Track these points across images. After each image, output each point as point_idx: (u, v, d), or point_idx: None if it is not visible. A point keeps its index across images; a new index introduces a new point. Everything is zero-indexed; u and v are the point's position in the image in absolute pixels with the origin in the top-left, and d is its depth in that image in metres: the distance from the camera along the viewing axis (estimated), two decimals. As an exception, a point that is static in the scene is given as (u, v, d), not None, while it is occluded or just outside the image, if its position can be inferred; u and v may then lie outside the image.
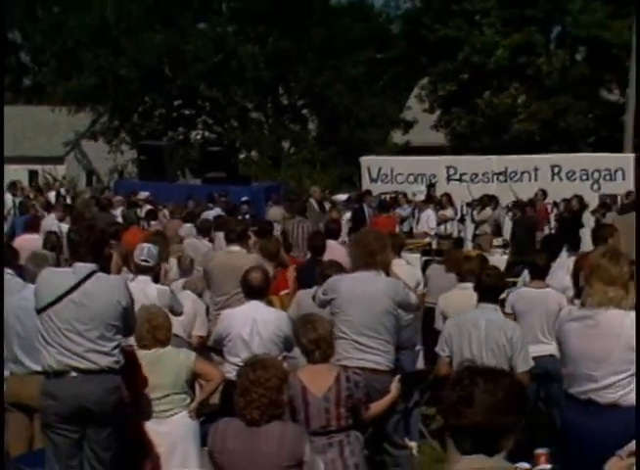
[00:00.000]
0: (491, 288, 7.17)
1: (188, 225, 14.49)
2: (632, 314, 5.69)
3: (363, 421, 6.03)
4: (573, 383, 5.68)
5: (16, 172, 30.44)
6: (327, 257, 9.73)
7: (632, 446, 3.96)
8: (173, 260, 10.87)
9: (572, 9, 30.52)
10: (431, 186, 21.24)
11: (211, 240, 13.02)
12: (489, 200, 19.50)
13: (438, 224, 18.58)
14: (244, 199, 20.28)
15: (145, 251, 8.39)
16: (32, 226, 14.40)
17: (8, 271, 8.04)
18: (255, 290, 7.44)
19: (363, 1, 37.95)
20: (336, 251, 10.10)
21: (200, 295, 9.61)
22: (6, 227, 16.40)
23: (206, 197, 19.86)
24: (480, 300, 7.15)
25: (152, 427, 6.43)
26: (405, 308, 7.22)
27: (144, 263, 8.30)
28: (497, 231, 18.06)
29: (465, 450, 3.35)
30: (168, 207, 18.47)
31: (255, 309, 7.35)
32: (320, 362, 5.92)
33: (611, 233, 9.49)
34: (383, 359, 6.80)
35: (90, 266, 6.16)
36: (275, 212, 17.23)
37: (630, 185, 21.69)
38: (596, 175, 21.74)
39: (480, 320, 6.90)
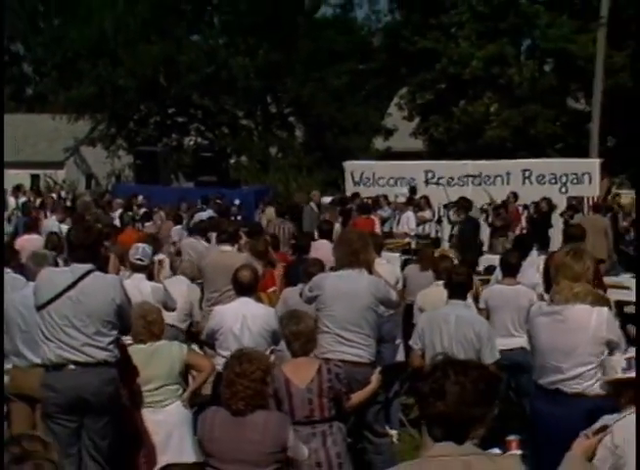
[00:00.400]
0: (460, 285, 7.20)
1: (178, 227, 14.47)
2: (599, 310, 5.72)
3: (345, 411, 6.03)
4: (542, 374, 5.71)
5: (18, 177, 30.32)
6: (317, 255, 9.75)
7: (597, 426, 3.98)
8: (167, 259, 10.86)
9: (541, 23, 30.56)
10: (412, 189, 21.27)
11: (208, 240, 13.01)
12: (465, 202, 19.55)
13: (417, 225, 18.60)
14: (236, 202, 20.33)
15: (139, 250, 8.41)
16: (32, 227, 14.39)
17: (9, 270, 8.03)
18: (245, 287, 7.44)
19: (346, 15, 37.94)
20: (324, 249, 10.11)
21: (192, 279, 9.63)
22: (10, 227, 16.36)
23: (200, 199, 19.85)
24: (450, 296, 7.19)
25: (148, 416, 6.43)
26: (386, 305, 7.23)
27: (138, 262, 8.31)
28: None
29: (436, 438, 3.36)
30: (165, 209, 18.44)
31: (245, 306, 7.35)
32: (300, 355, 5.92)
33: (583, 234, 9.56)
34: (364, 352, 6.80)
35: (87, 266, 6.15)
36: (270, 212, 17.39)
37: (596, 188, 21.79)
38: (564, 179, 21.79)
39: (450, 316, 6.93)
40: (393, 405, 8.42)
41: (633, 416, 4.19)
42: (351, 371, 6.40)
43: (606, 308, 5.89)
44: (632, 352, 4.44)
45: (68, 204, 21.76)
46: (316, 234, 13.44)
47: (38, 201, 21.70)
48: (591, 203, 20.40)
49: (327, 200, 21.43)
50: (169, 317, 8.65)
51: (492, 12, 30.78)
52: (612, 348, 5.63)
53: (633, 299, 12.37)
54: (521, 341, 8.06)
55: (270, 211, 17.75)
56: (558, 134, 30.74)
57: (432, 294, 8.71)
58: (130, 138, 35.96)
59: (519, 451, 4.90)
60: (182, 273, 9.87)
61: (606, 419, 4.21)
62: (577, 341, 5.54)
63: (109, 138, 36.03)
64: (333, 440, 5.77)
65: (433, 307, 7.79)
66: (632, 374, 4.35)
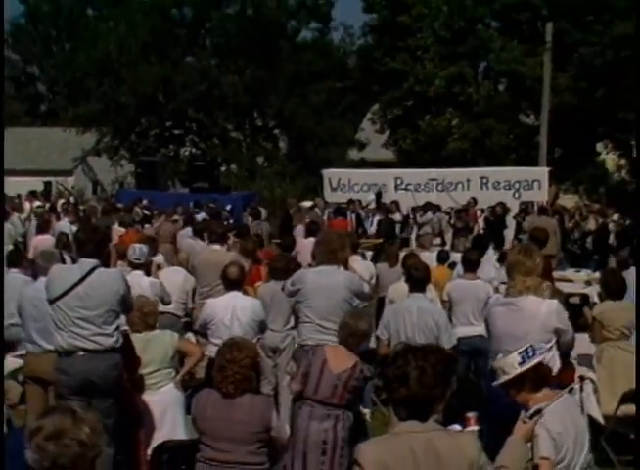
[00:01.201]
0: (420, 280, 7.22)
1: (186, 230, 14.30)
2: (549, 301, 5.77)
3: (357, 402, 5.99)
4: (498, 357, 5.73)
5: (32, 183, 30.17)
6: (304, 250, 9.74)
7: (532, 410, 4.00)
8: (160, 256, 10.80)
9: (495, 47, 30.67)
10: (378, 194, 21.29)
11: (203, 239, 12.98)
12: (430, 206, 19.60)
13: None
14: (228, 207, 20.28)
15: (137, 250, 8.42)
16: (44, 229, 14.37)
17: (16, 271, 8.06)
18: (233, 282, 7.44)
19: (324, 39, 37.91)
20: (307, 246, 10.10)
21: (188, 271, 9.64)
22: (21, 229, 16.29)
23: (193, 203, 19.78)
24: (412, 290, 7.20)
25: (145, 397, 6.42)
26: (360, 297, 7.24)
27: (136, 261, 8.32)
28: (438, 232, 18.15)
29: (401, 417, 3.38)
30: (167, 212, 18.34)
31: (234, 298, 7.35)
32: (343, 344, 5.87)
33: (545, 237, 9.61)
34: (340, 339, 6.81)
35: (93, 262, 6.14)
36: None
37: (545, 194, 21.90)
38: (517, 186, 21.92)
39: (412, 307, 6.96)
40: (366, 387, 8.43)
41: (561, 400, 4.20)
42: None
43: (555, 300, 5.94)
44: (525, 347, 4.45)
45: (81, 207, 21.62)
46: (304, 233, 13.52)
47: (47, 205, 21.56)
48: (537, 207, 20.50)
49: (308, 203, 21.43)
50: (169, 306, 8.67)
51: (453, 37, 30.87)
52: (559, 335, 5.68)
53: (577, 290, 12.47)
54: (479, 329, 8.09)
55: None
56: (511, 146, 30.88)
57: (401, 287, 8.73)
58: (132, 149, 35.85)
59: (476, 427, 4.92)
60: (179, 265, 9.88)
61: (555, 422, 4.23)
62: (529, 328, 5.57)
63: (113, 149, 35.92)
64: (342, 425, 5.70)
65: (402, 299, 7.81)
66: (529, 366, 4.35)
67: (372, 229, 18.45)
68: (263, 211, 18.75)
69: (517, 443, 3.75)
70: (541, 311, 5.63)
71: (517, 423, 3.83)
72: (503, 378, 4.40)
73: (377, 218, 18.77)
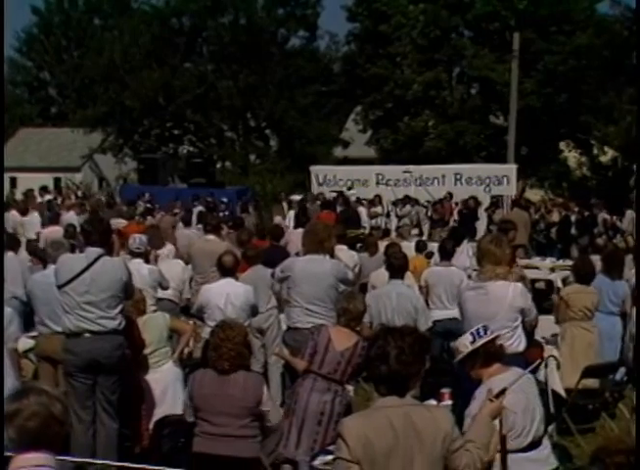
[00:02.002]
0: (399, 268, 7.21)
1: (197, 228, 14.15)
2: (514, 285, 5.79)
3: (353, 374, 6.00)
4: (470, 338, 5.74)
5: (44, 179, 30.02)
6: (294, 240, 9.70)
7: (497, 389, 4.00)
8: (171, 247, 10.75)
9: (468, 54, 30.69)
10: (349, 189, 21.25)
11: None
12: (409, 199, 19.61)
13: (371, 218, 18.62)
14: (224, 200, 20.25)
15: (137, 240, 8.39)
16: (54, 220, 14.29)
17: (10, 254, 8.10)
18: (228, 269, 7.42)
19: (311, 46, 37.86)
20: (296, 236, 10.07)
21: (187, 263, 9.60)
22: (39, 219, 16.12)
23: (191, 197, 19.69)
24: (391, 277, 7.19)
25: (147, 375, 6.41)
26: (345, 283, 7.22)
27: (136, 250, 8.29)
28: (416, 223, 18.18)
29: (382, 393, 3.37)
30: (168, 207, 18.21)
31: (228, 285, 7.32)
32: (344, 326, 5.82)
33: (513, 227, 9.62)
34: (327, 322, 6.76)
35: (98, 251, 6.11)
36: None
37: (513, 189, 21.94)
38: (487, 181, 21.94)
39: (391, 293, 6.95)
40: (350, 364, 8.42)
41: (522, 381, 4.20)
42: (316, 337, 6.38)
43: (520, 284, 5.97)
44: (477, 327, 4.47)
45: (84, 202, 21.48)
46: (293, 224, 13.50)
47: (60, 199, 21.44)
48: (509, 201, 20.54)
49: (297, 197, 21.40)
50: (167, 293, 8.64)
51: (429, 45, 30.83)
52: (524, 314, 5.71)
53: (543, 276, 12.51)
54: (453, 312, 8.08)
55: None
56: (482, 145, 30.91)
57: (382, 274, 8.73)
58: (135, 147, 35.75)
59: (449, 402, 4.93)
60: (179, 257, 9.85)
61: (505, 383, 4.25)
62: (497, 310, 5.59)
63: (117, 148, 35.85)
64: (340, 400, 5.65)
65: (383, 285, 7.81)
66: (479, 344, 4.37)
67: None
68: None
69: (483, 419, 3.75)
70: (508, 294, 5.65)
71: (484, 401, 3.84)
72: (458, 357, 4.43)
73: (359, 210, 18.72)
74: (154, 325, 6.57)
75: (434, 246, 11.29)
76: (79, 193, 25.47)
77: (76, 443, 5.83)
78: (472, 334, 4.40)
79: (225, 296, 7.17)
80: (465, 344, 4.41)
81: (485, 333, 4.40)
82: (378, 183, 22.48)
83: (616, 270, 8.37)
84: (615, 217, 18.85)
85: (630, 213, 18.34)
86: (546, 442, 4.46)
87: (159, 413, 6.27)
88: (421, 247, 11.33)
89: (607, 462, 2.85)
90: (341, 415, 5.66)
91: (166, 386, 6.45)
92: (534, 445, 4.31)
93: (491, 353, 4.39)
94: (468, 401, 4.28)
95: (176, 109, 34.44)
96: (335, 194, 20.80)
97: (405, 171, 22.38)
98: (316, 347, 5.59)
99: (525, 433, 4.25)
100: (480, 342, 4.36)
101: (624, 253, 10.66)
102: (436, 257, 9.68)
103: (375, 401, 3.41)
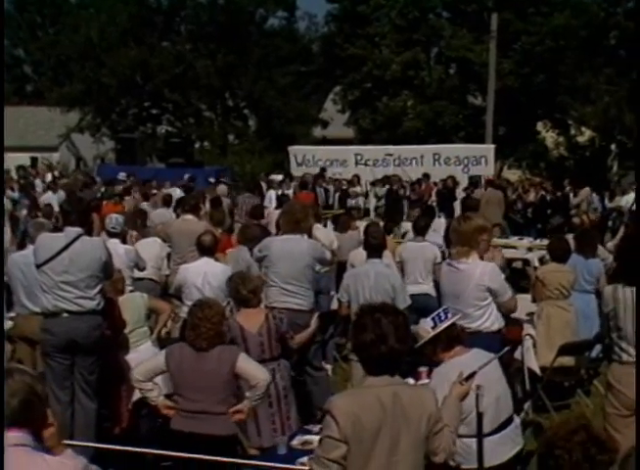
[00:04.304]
0: (377, 246, 7.22)
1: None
2: (484, 263, 5.83)
3: (290, 348, 6.03)
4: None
5: (20, 159, 29.73)
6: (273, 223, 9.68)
7: (466, 373, 4.04)
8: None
9: (446, 35, 30.65)
10: (322, 169, 21.21)
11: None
12: (388, 180, 19.59)
13: (350, 198, 18.59)
14: (212, 180, 19.99)
15: (113, 220, 8.35)
16: (34, 203, 14.17)
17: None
18: (206, 249, 7.40)
19: (290, 26, 37.63)
20: (275, 217, 10.06)
21: (164, 240, 9.55)
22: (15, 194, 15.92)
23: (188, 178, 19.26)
24: (369, 256, 7.20)
25: (125, 354, 6.38)
26: (321, 263, 7.25)
27: (113, 230, 8.24)
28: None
29: (374, 373, 3.36)
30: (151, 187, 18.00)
31: (206, 264, 7.31)
32: (249, 307, 5.88)
33: (477, 205, 9.68)
34: (304, 302, 6.80)
35: (77, 230, 6.06)
36: (222, 189, 17.21)
37: (491, 168, 21.99)
38: (466, 161, 21.93)
39: (370, 272, 6.96)
40: (329, 345, 8.44)
41: (488, 367, 4.24)
42: (294, 317, 6.40)
43: (491, 263, 6.00)
44: (438, 311, 4.50)
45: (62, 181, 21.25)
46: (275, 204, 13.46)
47: (38, 180, 21.18)
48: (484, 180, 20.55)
49: (278, 177, 21.34)
50: (147, 272, 8.60)
51: (408, 25, 30.74)
52: (494, 294, 5.73)
53: (520, 256, 12.58)
54: (426, 287, 8.15)
55: (222, 188, 17.51)
56: (460, 125, 30.92)
57: (360, 253, 8.73)
58: (112, 127, 35.40)
59: (427, 380, 4.95)
60: (157, 235, 9.79)
61: (444, 371, 4.28)
62: (463, 287, 5.63)
63: (95, 127, 35.44)
64: (280, 375, 5.75)
65: (361, 264, 7.82)
66: (440, 329, 4.39)
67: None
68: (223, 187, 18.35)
69: (453, 402, 3.78)
70: (476, 272, 5.68)
71: (454, 384, 3.86)
72: (420, 342, 4.44)
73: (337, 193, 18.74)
74: (132, 305, 6.54)
75: (410, 225, 11.34)
76: (56, 173, 25.17)
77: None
78: (433, 319, 4.41)
79: (203, 275, 7.16)
80: (426, 329, 4.41)
81: (447, 317, 4.40)
82: (357, 163, 22.44)
83: (588, 249, 8.42)
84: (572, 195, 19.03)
85: (585, 191, 18.50)
86: (515, 422, 4.47)
87: (137, 393, 6.25)
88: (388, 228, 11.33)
89: (561, 452, 2.86)
90: (286, 388, 5.74)
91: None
92: (503, 425, 4.33)
93: (453, 337, 4.42)
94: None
95: (154, 88, 34.13)
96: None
97: (387, 154, 22.34)
98: (234, 341, 5.58)
99: (491, 414, 4.24)
100: (441, 326, 4.37)
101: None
102: (412, 233, 9.74)
103: (364, 381, 3.40)
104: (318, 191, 18.58)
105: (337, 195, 19.04)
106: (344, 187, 19.41)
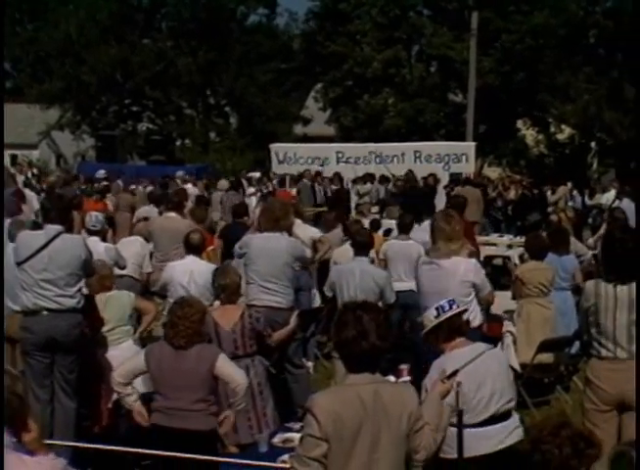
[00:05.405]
0: (363, 244, 7.23)
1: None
2: (467, 260, 5.87)
3: (268, 346, 6.02)
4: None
5: (-1, 156, 29.45)
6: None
7: (449, 371, 4.05)
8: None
9: (427, 33, 30.73)
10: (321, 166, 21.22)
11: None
12: (370, 177, 19.59)
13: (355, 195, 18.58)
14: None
15: (93, 218, 8.28)
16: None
17: None
18: (194, 247, 7.38)
19: (270, 23, 37.60)
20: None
21: (146, 239, 9.49)
22: None
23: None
24: (356, 254, 7.20)
25: (106, 353, 6.34)
26: (301, 261, 7.23)
27: (93, 228, 8.19)
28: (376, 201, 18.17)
29: (354, 370, 3.36)
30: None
31: (193, 263, 7.28)
32: (226, 303, 5.87)
33: (463, 203, 9.69)
34: (283, 300, 6.77)
35: (58, 228, 6.03)
36: (222, 183, 17.28)
37: (472, 166, 22.04)
38: (447, 159, 21.91)
39: (355, 269, 6.97)
40: (310, 342, 8.43)
41: (472, 365, 4.26)
42: (273, 315, 6.40)
43: (474, 259, 6.05)
44: (441, 302, 4.52)
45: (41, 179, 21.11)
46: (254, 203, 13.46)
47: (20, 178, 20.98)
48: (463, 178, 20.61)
49: (257, 174, 21.29)
50: (127, 270, 8.55)
51: (389, 23, 30.79)
52: (477, 289, 5.77)
53: (500, 253, 12.64)
54: (410, 285, 8.13)
55: (223, 182, 17.57)
56: (441, 122, 31.03)
57: (344, 250, 8.76)
58: (93, 124, 35.23)
59: (408, 378, 4.96)
60: (137, 233, 9.72)
61: (441, 363, 4.30)
62: (449, 284, 5.64)
63: (75, 124, 35.22)
64: (255, 371, 5.75)
65: (346, 261, 7.83)
66: (442, 319, 4.42)
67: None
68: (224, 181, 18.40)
69: (434, 400, 3.80)
70: (460, 269, 5.71)
71: (436, 381, 3.88)
72: (424, 330, 4.48)
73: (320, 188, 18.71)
74: (118, 303, 6.49)
75: (390, 223, 11.36)
76: (35, 170, 24.99)
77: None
78: (436, 308, 4.46)
79: (189, 274, 7.13)
80: (429, 318, 4.47)
81: (450, 308, 4.45)
82: (338, 161, 22.42)
83: (562, 246, 8.51)
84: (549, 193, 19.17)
85: (563, 189, 18.64)
86: (514, 417, 4.49)
87: (116, 391, 6.22)
88: (375, 225, 11.36)
89: (550, 446, 2.88)
90: (261, 384, 5.74)
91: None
92: (495, 419, 4.35)
93: (455, 328, 4.45)
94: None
95: (135, 85, 33.98)
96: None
97: (371, 152, 22.34)
98: (208, 336, 5.57)
99: (481, 408, 4.29)
100: (443, 316, 4.41)
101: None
102: (396, 231, 9.74)
103: (345, 379, 3.40)
104: (317, 189, 18.56)
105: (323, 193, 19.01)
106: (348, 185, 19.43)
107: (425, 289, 5.82)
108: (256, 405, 5.69)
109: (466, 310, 4.77)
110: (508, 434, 4.37)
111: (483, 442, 4.26)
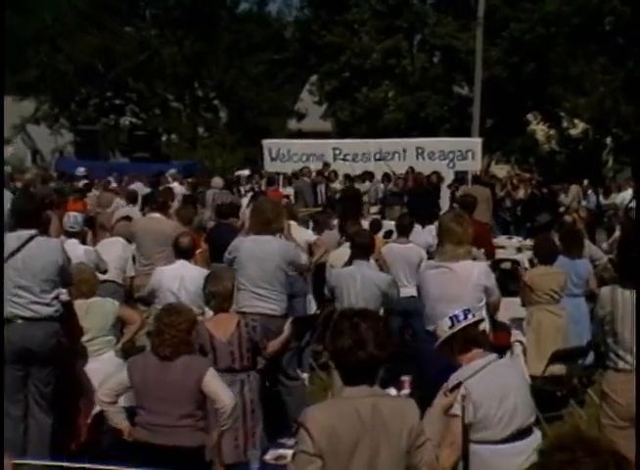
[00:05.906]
0: (364, 247, 7.21)
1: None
2: (479, 264, 5.87)
3: (263, 357, 5.99)
4: (432, 321, 5.74)
5: (-30, 152, 29.37)
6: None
7: (452, 384, 4.04)
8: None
9: (430, 22, 30.77)
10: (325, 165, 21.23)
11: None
12: (369, 175, 19.59)
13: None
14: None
15: (72, 219, 8.25)
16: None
17: None
18: (184, 251, 7.36)
19: (262, 10, 37.64)
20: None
21: (128, 240, 9.44)
22: None
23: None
24: (356, 257, 7.18)
25: (85, 365, 6.30)
26: (295, 266, 7.17)
27: (71, 229, 8.16)
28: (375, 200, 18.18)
29: (351, 383, 3.35)
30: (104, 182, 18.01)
31: (183, 267, 7.25)
32: (219, 312, 5.84)
33: (474, 203, 9.68)
34: (276, 306, 6.75)
35: (31, 231, 5.98)
36: (217, 181, 17.27)
37: (478, 164, 22.03)
38: (451, 156, 21.89)
39: (356, 274, 6.95)
40: (305, 352, 8.41)
41: (482, 374, 4.25)
42: (266, 323, 6.36)
43: (484, 263, 6.05)
44: (456, 311, 4.52)
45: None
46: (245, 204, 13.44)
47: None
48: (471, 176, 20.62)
49: (246, 172, 21.26)
50: (109, 275, 8.51)
51: (389, 11, 30.83)
52: (488, 293, 5.75)
53: (508, 256, 12.63)
54: (411, 290, 8.13)
55: (217, 180, 17.59)
56: (445, 117, 31.04)
57: (340, 253, 8.75)
58: (72, 118, 35.15)
59: (408, 391, 4.95)
60: (118, 234, 9.67)
61: (458, 376, 4.29)
62: (462, 290, 5.61)
63: (52, 118, 35.14)
64: (249, 387, 5.71)
65: (342, 264, 7.82)
66: (457, 329, 4.43)
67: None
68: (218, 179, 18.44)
69: (436, 414, 3.79)
70: (473, 273, 5.69)
71: (439, 394, 3.87)
72: (437, 342, 4.48)
73: (319, 187, 18.71)
74: (100, 310, 6.44)
75: (389, 224, 11.36)
76: (8, 168, 24.89)
77: (5, 440, 5.72)
78: (451, 318, 4.45)
79: (179, 279, 7.10)
80: (443, 328, 4.45)
81: (465, 317, 4.44)
82: (335, 158, 22.41)
83: (575, 248, 8.41)
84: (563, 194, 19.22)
85: (575, 188, 18.66)
86: (535, 435, 4.48)
87: (97, 406, 6.18)
88: (375, 226, 11.33)
89: (545, 462, 2.85)
90: (254, 403, 5.70)
91: (106, 377, 6.35)
92: (521, 435, 4.34)
93: (470, 339, 4.44)
94: (432, 388, 4.30)
95: (117, 77, 33.92)
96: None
97: (370, 148, 22.31)
98: (203, 348, 5.55)
99: (504, 423, 4.29)
100: (458, 326, 4.40)
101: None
102: (395, 234, 9.74)
103: (342, 391, 3.39)
104: (318, 188, 18.56)
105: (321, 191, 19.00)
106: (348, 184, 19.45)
107: (433, 295, 5.75)
108: (247, 424, 5.65)
109: (482, 320, 4.75)
110: (534, 451, 4.35)
111: (513, 459, 4.22)
